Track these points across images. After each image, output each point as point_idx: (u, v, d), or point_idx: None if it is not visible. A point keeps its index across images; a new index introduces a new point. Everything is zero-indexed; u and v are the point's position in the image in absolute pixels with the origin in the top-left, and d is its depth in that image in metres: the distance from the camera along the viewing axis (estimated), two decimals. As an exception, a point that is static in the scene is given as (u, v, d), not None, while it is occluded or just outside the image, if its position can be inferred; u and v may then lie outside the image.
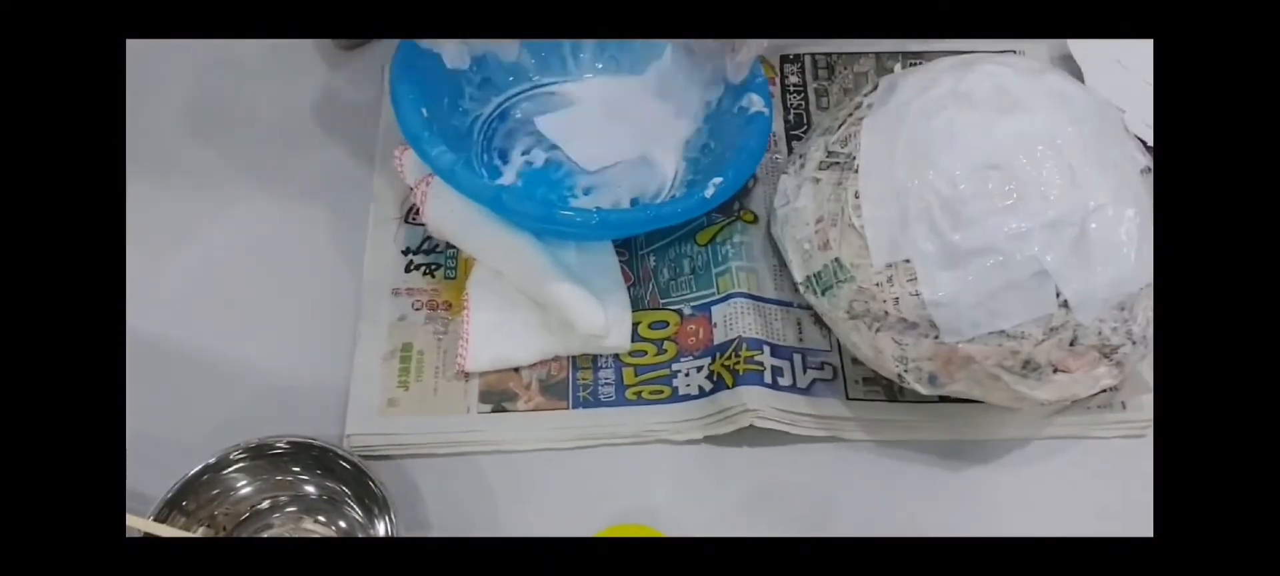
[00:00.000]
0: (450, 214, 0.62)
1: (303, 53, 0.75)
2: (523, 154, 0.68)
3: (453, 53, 0.61)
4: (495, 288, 0.63)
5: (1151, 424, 0.61)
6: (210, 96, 0.73)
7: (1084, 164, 0.53)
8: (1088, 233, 0.52)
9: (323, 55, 0.74)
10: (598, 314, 0.60)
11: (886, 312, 0.54)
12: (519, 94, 0.71)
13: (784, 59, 0.76)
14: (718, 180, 0.61)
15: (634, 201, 0.66)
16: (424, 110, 0.61)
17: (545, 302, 0.61)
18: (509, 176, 0.67)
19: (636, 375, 0.62)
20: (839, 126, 0.60)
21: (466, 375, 0.61)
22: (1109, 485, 0.59)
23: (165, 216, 0.67)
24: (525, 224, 0.61)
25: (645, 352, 0.63)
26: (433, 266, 0.65)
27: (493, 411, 0.60)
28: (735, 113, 0.66)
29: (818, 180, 0.59)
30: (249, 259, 0.66)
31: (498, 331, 0.62)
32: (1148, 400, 0.61)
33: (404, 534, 0.53)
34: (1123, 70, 0.73)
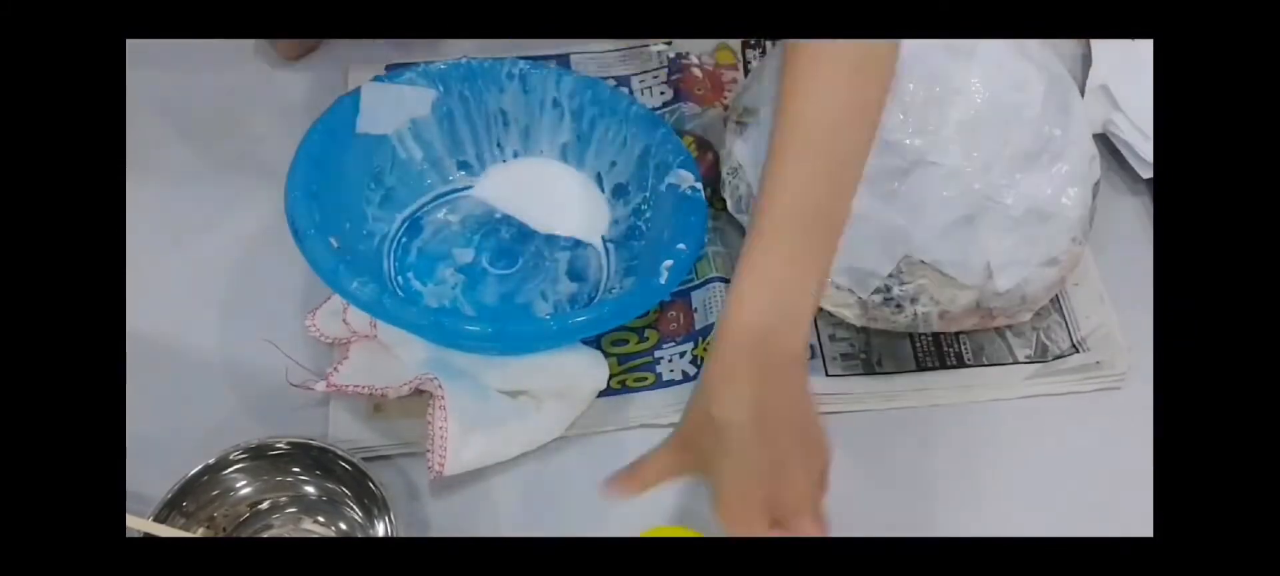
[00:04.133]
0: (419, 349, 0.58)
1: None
2: (452, 269, 0.65)
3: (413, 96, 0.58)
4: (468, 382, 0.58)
5: (1123, 377, 0.63)
6: (211, 94, 0.73)
7: None
8: None
9: (268, 61, 0.74)
10: (600, 364, 0.60)
11: None
12: (426, 204, 0.67)
13: (745, 44, 0.75)
14: (669, 263, 0.58)
15: (578, 283, 0.65)
16: (333, 240, 0.57)
17: (536, 390, 0.58)
18: (434, 294, 0.64)
19: (619, 364, 0.62)
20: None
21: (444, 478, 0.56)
22: (1083, 431, 0.62)
23: (166, 216, 0.67)
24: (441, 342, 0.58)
25: (627, 341, 0.63)
26: None
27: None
28: (664, 191, 0.64)
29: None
30: (249, 258, 0.66)
31: (476, 431, 0.56)
32: (1121, 357, 0.63)
33: (404, 534, 0.53)
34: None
